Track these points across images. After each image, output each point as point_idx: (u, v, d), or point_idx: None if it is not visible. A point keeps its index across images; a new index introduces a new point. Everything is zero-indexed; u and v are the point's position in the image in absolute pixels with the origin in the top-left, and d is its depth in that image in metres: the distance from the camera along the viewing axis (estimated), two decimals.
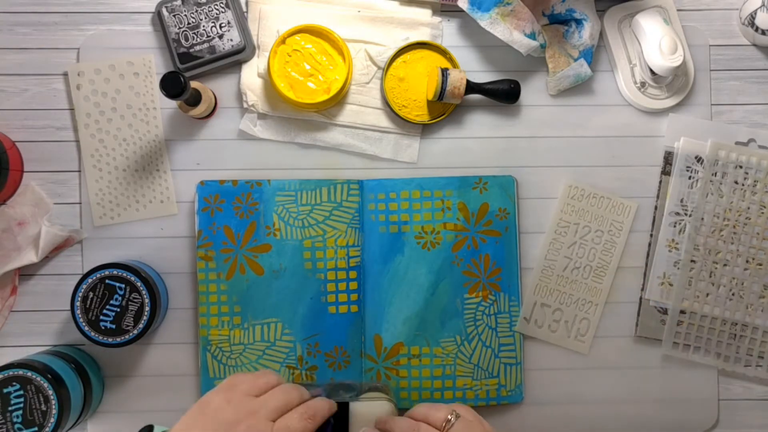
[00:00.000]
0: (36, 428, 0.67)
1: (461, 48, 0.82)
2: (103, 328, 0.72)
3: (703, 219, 0.80)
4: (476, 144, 0.81)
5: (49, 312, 0.78)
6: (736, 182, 0.80)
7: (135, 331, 0.72)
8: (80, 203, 0.79)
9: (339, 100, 0.80)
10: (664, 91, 0.81)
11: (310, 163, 0.80)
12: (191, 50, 0.79)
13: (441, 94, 0.77)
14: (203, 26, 0.79)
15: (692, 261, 0.80)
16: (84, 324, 0.71)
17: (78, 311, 0.71)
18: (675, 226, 0.80)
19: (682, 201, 0.80)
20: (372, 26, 0.81)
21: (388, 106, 0.81)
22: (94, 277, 0.72)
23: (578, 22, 0.81)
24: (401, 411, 0.77)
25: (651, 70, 0.79)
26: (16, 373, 0.68)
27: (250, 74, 0.80)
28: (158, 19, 0.79)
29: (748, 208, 0.80)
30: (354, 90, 0.81)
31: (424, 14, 0.82)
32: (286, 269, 0.78)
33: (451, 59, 0.81)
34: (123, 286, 0.72)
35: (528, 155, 0.81)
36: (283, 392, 0.62)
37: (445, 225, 0.79)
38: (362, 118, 0.81)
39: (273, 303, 0.77)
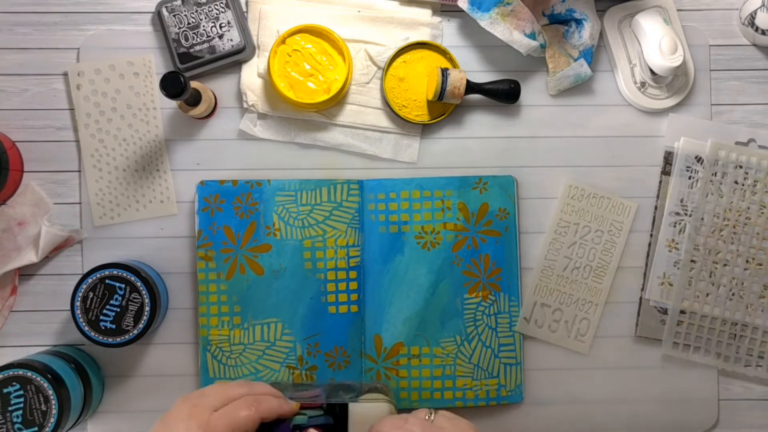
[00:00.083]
0: (36, 428, 0.67)
1: (461, 48, 0.82)
2: (103, 328, 0.72)
3: (703, 219, 0.80)
4: (476, 144, 0.81)
5: (49, 312, 0.78)
6: (736, 182, 0.80)
7: (135, 331, 0.72)
8: (80, 203, 0.79)
9: (339, 100, 0.80)
10: (664, 91, 0.81)
11: (310, 163, 0.80)
12: (191, 50, 0.79)
13: (441, 94, 0.77)
14: (203, 26, 0.79)
15: (692, 261, 0.80)
16: (84, 324, 0.71)
17: (78, 311, 0.71)
18: (675, 226, 0.80)
19: (682, 201, 0.80)
20: (372, 26, 0.81)
21: (388, 106, 0.81)
22: (94, 277, 0.72)
23: (578, 22, 0.81)
24: (401, 411, 0.77)
25: (651, 70, 0.79)
26: (16, 373, 0.68)
27: (250, 74, 0.80)
28: (158, 19, 0.79)
29: (748, 208, 0.80)
30: (354, 90, 0.81)
31: (424, 14, 0.82)
32: (286, 269, 0.78)
33: (451, 59, 0.81)
34: (123, 286, 0.72)
35: (528, 155, 0.81)
36: (242, 408, 0.60)
37: (445, 225, 0.79)
38: (362, 118, 0.81)
39: (273, 303, 0.77)
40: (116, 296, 0.72)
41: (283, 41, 0.78)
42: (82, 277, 0.72)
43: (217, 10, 0.79)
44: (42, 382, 0.68)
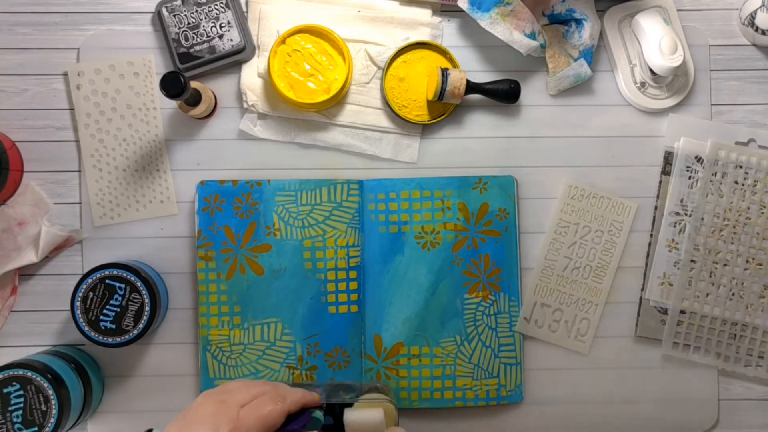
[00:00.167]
0: (36, 428, 0.67)
1: (461, 48, 0.82)
2: (103, 328, 0.72)
3: (703, 219, 0.80)
4: (476, 144, 0.81)
5: (49, 312, 0.78)
6: (736, 182, 0.80)
7: (135, 331, 0.72)
8: (80, 203, 0.79)
9: (339, 100, 0.80)
10: (664, 91, 0.81)
11: (310, 163, 0.80)
12: (191, 50, 0.79)
13: (441, 94, 0.77)
14: (203, 26, 0.79)
15: (692, 261, 0.80)
16: (84, 324, 0.71)
17: (78, 311, 0.71)
18: (675, 226, 0.80)
19: (682, 201, 0.80)
20: (372, 26, 0.81)
21: (388, 106, 0.81)
22: (94, 277, 0.72)
23: (578, 22, 0.81)
24: (401, 411, 0.77)
25: (651, 70, 0.79)
26: (16, 373, 0.68)
27: (250, 74, 0.80)
28: (158, 19, 0.79)
29: (748, 208, 0.80)
30: (354, 90, 0.81)
31: (424, 14, 0.82)
32: (286, 269, 0.78)
33: (451, 59, 0.81)
34: (123, 286, 0.72)
35: (528, 155, 0.81)
36: (268, 402, 0.61)
37: (445, 225, 0.79)
38: (362, 118, 0.81)
39: (273, 303, 0.77)
40: (116, 296, 0.72)
41: (283, 41, 0.78)
42: (82, 277, 0.72)
43: (217, 10, 0.79)
44: (42, 382, 0.68)
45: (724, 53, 0.83)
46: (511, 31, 0.78)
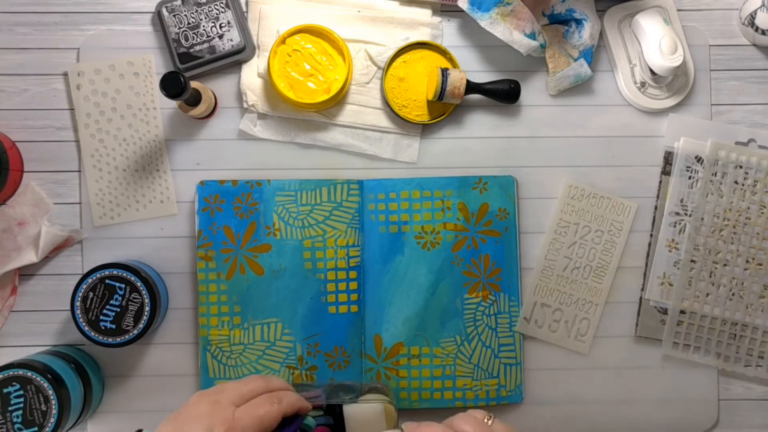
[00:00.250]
0: (36, 428, 0.67)
1: (461, 48, 0.82)
2: (103, 328, 0.72)
3: (703, 219, 0.80)
4: (476, 144, 0.81)
5: (49, 312, 0.78)
6: (736, 182, 0.80)
7: (135, 331, 0.72)
8: (80, 203, 0.79)
9: (339, 100, 0.80)
10: (664, 91, 0.81)
11: (310, 163, 0.80)
12: (191, 50, 0.79)
13: (441, 94, 0.77)
14: (203, 26, 0.79)
15: (692, 261, 0.80)
16: (84, 324, 0.71)
17: (78, 311, 0.71)
18: (675, 226, 0.80)
19: (682, 201, 0.80)
20: (372, 26, 0.81)
21: (388, 106, 0.81)
22: (94, 277, 0.72)
23: (578, 22, 0.81)
24: (401, 411, 0.77)
25: (651, 70, 0.79)
26: (16, 373, 0.68)
27: (250, 74, 0.80)
28: (158, 19, 0.79)
29: (748, 208, 0.80)
30: (354, 90, 0.81)
31: (424, 14, 0.82)
32: (286, 269, 0.78)
33: (451, 59, 0.81)
34: (123, 286, 0.72)
35: (528, 155, 0.81)
36: (265, 403, 0.61)
37: (445, 225, 0.79)
38: (362, 118, 0.81)
39: (273, 303, 0.77)
40: (116, 296, 0.72)
41: (283, 41, 0.78)
42: (82, 277, 0.72)
43: (217, 10, 0.79)
44: (42, 382, 0.68)
45: (724, 53, 0.83)
46: (511, 31, 0.78)
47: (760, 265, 0.80)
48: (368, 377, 0.77)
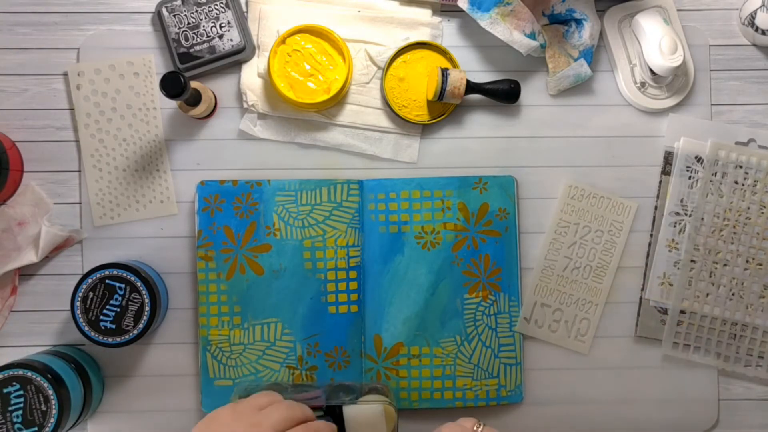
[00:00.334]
0: (36, 428, 0.67)
1: (461, 48, 0.82)
2: (103, 328, 0.71)
3: (703, 219, 0.80)
4: (476, 144, 0.81)
5: (49, 312, 0.78)
6: (736, 182, 0.80)
7: (135, 331, 0.72)
8: (80, 203, 0.79)
9: (339, 100, 0.80)
10: (664, 91, 0.81)
11: (310, 163, 0.80)
12: (191, 50, 0.79)
13: (441, 94, 0.77)
14: (203, 26, 0.79)
15: (692, 261, 0.80)
16: (84, 324, 0.71)
17: (78, 311, 0.71)
18: (675, 226, 0.80)
19: (682, 201, 0.80)
20: (372, 26, 0.81)
21: (388, 106, 0.81)
22: (94, 277, 0.72)
23: (578, 22, 0.81)
24: (401, 412, 0.77)
25: (651, 70, 0.79)
26: (16, 373, 0.68)
27: (250, 74, 0.80)
28: (158, 19, 0.79)
29: (748, 208, 0.80)
30: (354, 90, 0.81)
31: (424, 14, 0.82)
32: (286, 269, 0.78)
33: (451, 59, 0.81)
34: (123, 286, 0.72)
35: (528, 155, 0.81)
36: (287, 407, 0.63)
37: (445, 225, 0.79)
38: (362, 118, 0.81)
39: (273, 303, 0.77)
40: (116, 296, 0.72)
41: (283, 41, 0.78)
42: (82, 277, 0.72)
43: (217, 10, 0.79)
44: (42, 382, 0.68)
45: (724, 53, 0.83)
46: (511, 31, 0.78)
47: (760, 265, 0.80)
48: (368, 377, 0.77)
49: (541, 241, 0.80)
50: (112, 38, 0.80)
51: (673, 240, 0.80)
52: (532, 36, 0.79)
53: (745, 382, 0.81)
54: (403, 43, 0.80)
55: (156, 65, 0.80)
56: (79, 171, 0.79)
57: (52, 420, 0.67)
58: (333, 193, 0.78)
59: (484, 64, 0.82)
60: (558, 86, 0.81)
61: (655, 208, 0.81)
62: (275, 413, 0.61)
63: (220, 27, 0.79)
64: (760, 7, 0.80)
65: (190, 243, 0.79)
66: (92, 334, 0.71)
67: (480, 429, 0.64)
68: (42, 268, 0.79)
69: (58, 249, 0.79)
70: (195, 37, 0.79)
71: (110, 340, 0.72)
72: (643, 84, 0.81)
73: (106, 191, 0.79)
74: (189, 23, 0.79)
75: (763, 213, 0.80)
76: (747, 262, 0.80)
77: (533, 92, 0.82)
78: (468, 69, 0.81)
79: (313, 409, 0.67)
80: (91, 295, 0.72)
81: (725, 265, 0.80)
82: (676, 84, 0.81)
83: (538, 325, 0.79)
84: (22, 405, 0.67)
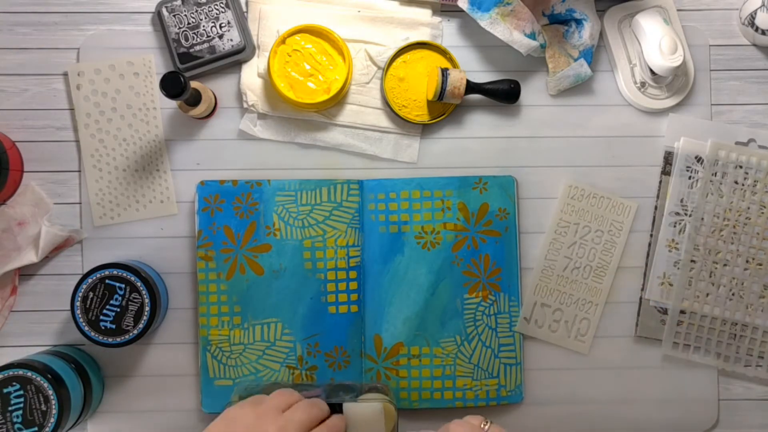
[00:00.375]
0: (36, 428, 0.67)
1: (461, 48, 0.82)
2: (103, 328, 0.71)
3: (703, 219, 0.80)
4: (476, 144, 0.81)
5: (49, 312, 0.78)
6: (736, 182, 0.80)
7: (135, 331, 0.72)
8: (80, 203, 0.79)
9: (339, 100, 0.80)
10: (664, 91, 0.81)
11: (310, 163, 0.80)
12: (191, 50, 0.79)
13: (441, 94, 0.77)
14: (203, 26, 0.79)
15: (692, 261, 0.80)
16: (84, 324, 0.71)
17: (78, 311, 0.71)
18: (675, 226, 0.80)
19: (682, 201, 0.80)
20: (372, 26, 0.81)
21: (388, 106, 0.81)
22: (94, 277, 0.72)
23: (578, 22, 0.81)
24: (401, 411, 0.77)
25: (651, 70, 0.79)
26: (16, 373, 0.68)
27: (250, 74, 0.80)
28: (158, 19, 0.79)
29: (748, 208, 0.80)
30: (354, 90, 0.81)
31: (424, 14, 0.82)
32: (286, 269, 0.78)
33: (451, 59, 0.81)
34: (123, 286, 0.72)
35: (528, 155, 0.81)
36: (308, 406, 0.63)
37: (445, 225, 0.79)
38: (362, 118, 0.81)
39: (273, 303, 0.77)
40: (116, 296, 0.72)
41: (283, 41, 0.78)
42: (82, 277, 0.72)
43: (217, 10, 0.79)
44: (42, 382, 0.68)
45: (724, 53, 0.83)
46: (511, 31, 0.78)
47: (760, 265, 0.80)
48: (368, 377, 0.77)
49: (541, 241, 0.80)
50: (112, 38, 0.80)
51: (673, 240, 0.80)
52: (532, 36, 0.79)
53: (745, 382, 0.81)
54: (403, 43, 0.80)
55: (156, 65, 0.80)
56: (79, 171, 0.79)
57: (52, 420, 0.67)
58: (333, 193, 0.78)
59: (484, 64, 0.82)
60: (558, 86, 0.81)
61: (655, 208, 0.81)
62: (298, 413, 0.61)
63: (220, 27, 0.79)
64: (760, 7, 0.80)
65: (190, 243, 0.79)
66: (92, 334, 0.71)
67: (487, 427, 0.64)
68: (42, 268, 0.79)
69: (58, 249, 0.79)
70: (195, 37, 0.79)
71: (110, 340, 0.72)
72: (643, 84, 0.81)
73: (106, 191, 0.79)
74: (189, 23, 0.79)
75: (763, 213, 0.80)
76: (747, 262, 0.80)
77: (533, 92, 0.82)
78: (468, 69, 0.81)
79: None
80: (91, 295, 0.72)
81: (725, 265, 0.80)
82: (676, 84, 0.81)
83: (538, 325, 0.79)
84: (22, 405, 0.67)
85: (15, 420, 0.67)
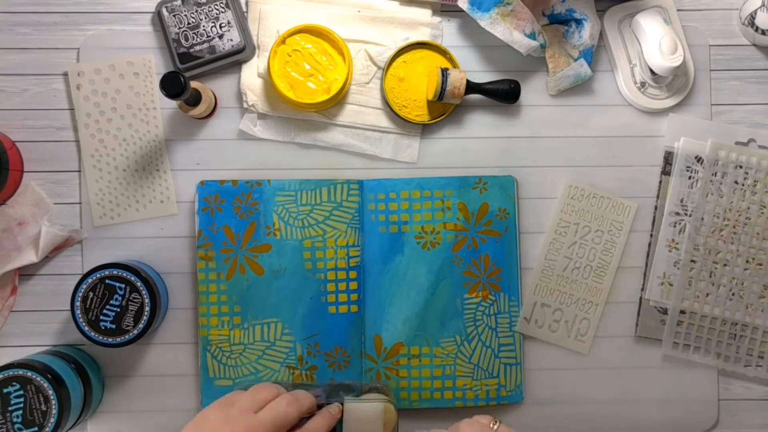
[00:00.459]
0: (36, 428, 0.67)
1: (461, 48, 0.82)
2: (103, 328, 0.72)
3: (703, 219, 0.80)
4: (476, 144, 0.81)
5: (49, 312, 0.78)
6: (736, 182, 0.80)
7: (135, 331, 0.72)
8: (80, 203, 0.79)
9: (339, 100, 0.80)
10: (664, 91, 0.81)
11: (310, 163, 0.80)
12: (191, 50, 0.79)
13: (441, 94, 0.77)
14: (203, 26, 0.79)
15: (692, 261, 0.80)
16: (84, 324, 0.71)
17: (78, 311, 0.71)
18: (675, 226, 0.80)
19: (682, 201, 0.80)
20: (372, 26, 0.81)
21: (388, 106, 0.81)
22: (94, 277, 0.72)
23: (578, 22, 0.81)
24: (401, 412, 0.77)
25: (651, 70, 0.79)
26: (16, 373, 0.68)
27: (250, 74, 0.80)
28: (158, 19, 0.79)
29: (748, 208, 0.80)
30: (354, 90, 0.81)
31: (424, 14, 0.82)
32: (286, 269, 0.78)
33: (451, 59, 0.81)
34: (123, 286, 0.72)
35: (528, 155, 0.81)
36: (286, 404, 0.61)
37: (445, 225, 0.79)
38: (362, 118, 0.81)
39: (273, 303, 0.77)
40: (116, 296, 0.72)
41: (283, 41, 0.78)
42: (82, 277, 0.72)
43: (217, 10, 0.79)
44: (42, 382, 0.68)
45: (724, 53, 0.83)
46: (511, 31, 0.78)
47: (760, 265, 0.80)
48: (368, 377, 0.77)
49: (541, 241, 0.80)
50: (112, 38, 0.80)
51: (673, 240, 0.80)
52: (532, 36, 0.79)
53: (745, 382, 0.81)
54: (403, 43, 0.80)
55: (156, 65, 0.80)
56: (79, 171, 0.79)
57: (52, 420, 0.67)
58: (333, 193, 0.78)
59: (484, 64, 0.82)
60: (558, 86, 0.81)
61: (655, 208, 0.81)
62: (271, 413, 0.60)
63: (220, 27, 0.79)
64: (760, 7, 0.80)
65: (190, 243, 0.79)
66: (92, 334, 0.71)
67: (497, 426, 0.64)
68: (42, 268, 0.79)
69: (58, 249, 0.79)
70: (195, 37, 0.79)
71: (110, 340, 0.72)
72: (643, 84, 0.81)
73: (106, 191, 0.79)
74: (189, 23, 0.79)
75: (763, 213, 0.80)
76: (747, 262, 0.80)
77: (533, 92, 0.82)
78: (468, 69, 0.81)
79: None
80: (91, 295, 0.72)
81: (725, 265, 0.80)
82: (676, 84, 0.81)
83: (538, 325, 0.79)
84: (22, 405, 0.67)
85: (15, 420, 0.67)
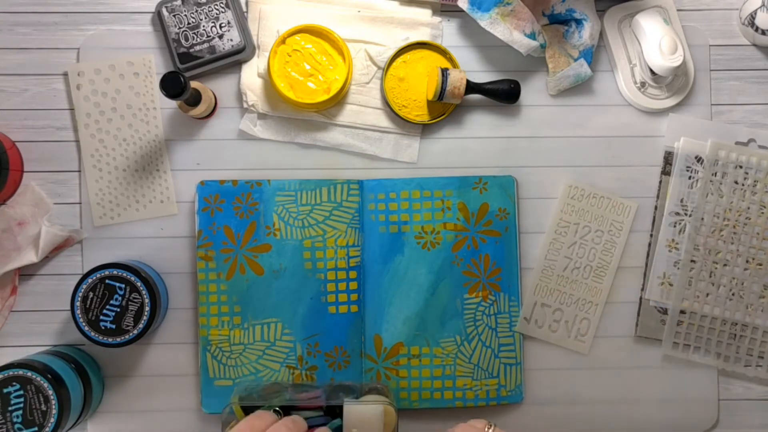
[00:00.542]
0: (36, 428, 0.67)
1: (461, 48, 0.82)
2: (103, 328, 0.72)
3: (703, 219, 0.80)
4: (476, 144, 0.81)
5: (49, 312, 0.78)
6: (736, 182, 0.80)
7: (135, 331, 0.72)
8: (80, 203, 0.79)
9: (339, 100, 0.80)
10: (664, 91, 0.81)
11: (310, 163, 0.80)
12: (191, 50, 0.79)
13: (441, 94, 0.77)
14: (203, 26, 0.79)
15: (692, 261, 0.80)
16: (84, 324, 0.71)
17: (78, 311, 0.71)
18: (675, 226, 0.80)
19: (682, 201, 0.80)
20: (372, 26, 0.81)
21: (388, 106, 0.81)
22: (94, 277, 0.72)
23: (578, 22, 0.81)
24: (401, 412, 0.77)
25: (651, 70, 0.79)
26: (16, 373, 0.68)
27: (250, 74, 0.80)
28: (158, 19, 0.79)
29: (748, 208, 0.80)
30: (354, 90, 0.81)
31: (424, 14, 0.82)
32: (286, 269, 0.78)
33: (451, 59, 0.81)
34: (123, 286, 0.72)
35: (528, 155, 0.81)
36: (283, 430, 0.60)
37: (445, 225, 0.79)
38: (362, 118, 0.81)
39: (273, 303, 0.77)
40: (116, 296, 0.72)
41: (283, 41, 0.78)
42: (82, 277, 0.72)
43: (217, 10, 0.79)
44: (42, 382, 0.68)
45: (724, 53, 0.83)
46: (511, 31, 0.78)
47: (760, 265, 0.80)
48: (368, 377, 0.77)
49: (541, 241, 0.80)
50: (112, 38, 0.80)
51: (673, 240, 0.80)
52: (532, 36, 0.79)
53: (745, 382, 0.81)
54: (403, 43, 0.80)
55: (156, 65, 0.80)
56: (79, 171, 0.79)
57: (52, 420, 0.67)
58: (333, 193, 0.78)
59: (484, 64, 0.82)
60: (558, 86, 0.81)
61: (655, 208, 0.81)
62: None
63: (220, 27, 0.79)
64: (760, 7, 0.80)
65: (190, 243, 0.79)
66: (92, 334, 0.71)
67: (491, 430, 0.64)
68: (42, 268, 0.79)
69: (58, 249, 0.79)
70: (195, 37, 0.79)
71: (110, 340, 0.72)
72: (643, 84, 0.81)
73: (106, 191, 0.79)
74: (189, 23, 0.79)
75: (763, 213, 0.80)
76: (747, 262, 0.80)
77: (533, 92, 0.82)
78: (468, 69, 0.81)
79: (313, 409, 0.67)
80: (91, 295, 0.72)
81: (725, 265, 0.80)
82: (676, 84, 0.81)
83: (538, 325, 0.79)
84: (22, 405, 0.67)
85: (15, 420, 0.67)
